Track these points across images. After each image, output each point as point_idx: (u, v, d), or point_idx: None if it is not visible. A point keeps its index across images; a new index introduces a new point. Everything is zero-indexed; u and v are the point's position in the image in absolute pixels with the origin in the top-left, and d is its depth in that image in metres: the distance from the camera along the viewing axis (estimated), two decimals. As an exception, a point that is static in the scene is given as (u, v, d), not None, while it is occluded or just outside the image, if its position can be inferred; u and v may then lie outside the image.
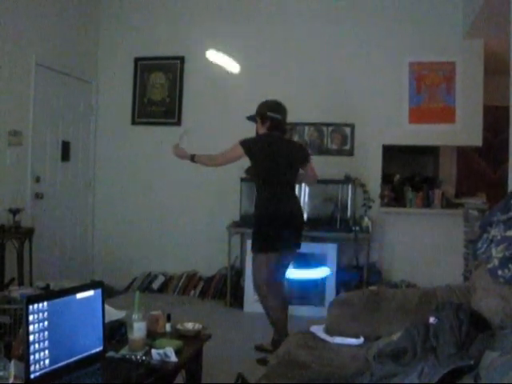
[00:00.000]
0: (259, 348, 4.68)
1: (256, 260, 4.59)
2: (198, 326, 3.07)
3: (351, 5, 6.69)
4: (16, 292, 3.14)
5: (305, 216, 6.13)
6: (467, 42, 6.33)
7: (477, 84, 6.36)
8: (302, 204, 6.05)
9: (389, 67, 6.53)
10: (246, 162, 4.93)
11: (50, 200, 6.38)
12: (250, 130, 6.35)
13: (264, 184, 4.62)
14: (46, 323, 2.22)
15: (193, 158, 4.78)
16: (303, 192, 6.35)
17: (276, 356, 2.79)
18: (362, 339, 2.92)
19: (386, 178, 6.67)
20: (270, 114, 4.63)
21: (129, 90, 7.19)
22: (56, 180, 6.56)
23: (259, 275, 4.55)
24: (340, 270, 6.17)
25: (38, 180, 6.16)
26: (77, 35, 6.85)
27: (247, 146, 4.57)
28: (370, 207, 6.37)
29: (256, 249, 4.57)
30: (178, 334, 2.95)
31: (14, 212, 5.42)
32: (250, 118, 4.81)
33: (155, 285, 6.83)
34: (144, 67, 7.18)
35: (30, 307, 2.16)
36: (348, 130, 6.64)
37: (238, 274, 6.54)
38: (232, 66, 6.86)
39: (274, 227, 4.51)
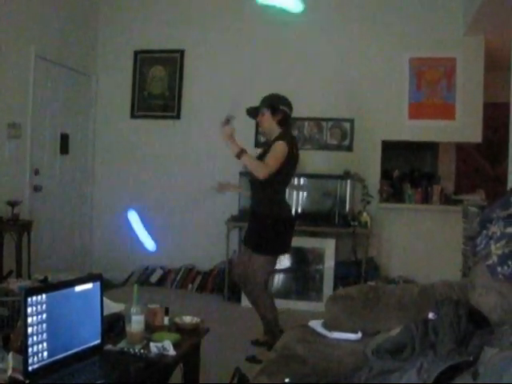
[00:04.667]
0: (256, 343, 4.69)
1: (261, 261, 4.47)
2: (196, 320, 3.07)
3: (351, 0, 6.67)
4: (14, 284, 3.13)
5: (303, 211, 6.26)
6: (468, 38, 6.32)
7: (477, 80, 6.35)
8: (300, 199, 6.12)
9: (389, 63, 6.53)
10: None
11: (48, 193, 6.37)
12: (249, 125, 6.36)
13: (280, 186, 4.53)
14: (44, 316, 2.21)
15: (241, 153, 4.27)
16: (302, 187, 6.37)
17: (274, 350, 2.79)
18: (360, 334, 2.92)
19: (385, 174, 6.68)
20: (283, 107, 4.52)
21: (128, 83, 7.18)
22: (55, 173, 6.55)
23: (261, 275, 4.49)
24: (338, 265, 6.18)
25: (36, 173, 6.15)
26: (76, 28, 6.82)
27: (289, 145, 4.36)
28: (368, 203, 6.37)
29: (266, 250, 4.47)
30: (176, 328, 2.95)
31: (13, 204, 5.42)
32: (251, 111, 4.63)
33: (153, 278, 6.83)
34: (144, 60, 7.16)
35: (29, 299, 2.15)
36: (347, 126, 6.63)
37: (236, 268, 6.54)
38: (232, 59, 6.85)
39: (288, 230, 4.54)
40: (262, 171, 4.26)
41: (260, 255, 4.46)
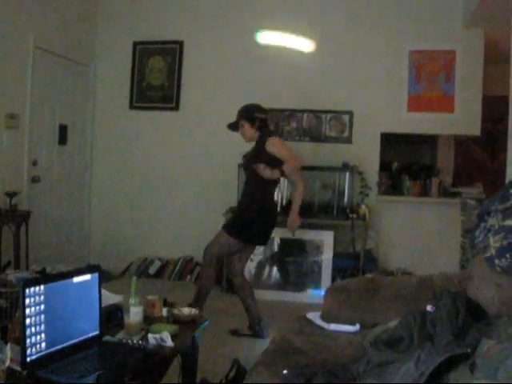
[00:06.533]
0: (235, 332, 4.77)
1: (224, 238, 4.66)
2: (194, 311, 3.07)
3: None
4: (12, 275, 3.12)
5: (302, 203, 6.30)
6: (467, 31, 6.31)
7: (476, 73, 6.35)
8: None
9: (388, 55, 6.52)
10: (244, 148, 4.92)
11: (46, 183, 6.36)
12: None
13: (263, 182, 4.65)
14: (42, 307, 2.21)
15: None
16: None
17: (272, 342, 2.79)
18: (358, 326, 2.92)
19: (384, 166, 6.67)
20: (258, 114, 4.71)
21: (127, 74, 7.15)
22: (53, 164, 6.54)
23: (216, 250, 4.68)
24: (336, 257, 6.18)
25: (34, 163, 6.14)
26: (75, 18, 6.78)
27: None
28: (367, 195, 6.38)
29: (233, 232, 4.65)
30: (174, 319, 2.95)
31: (11, 195, 5.40)
32: (232, 126, 4.84)
33: (151, 270, 6.83)
34: (143, 51, 7.13)
35: (27, 290, 2.15)
36: (346, 118, 6.63)
37: (235, 260, 6.54)
38: (231, 50, 6.83)
39: (262, 223, 4.68)
40: (293, 163, 4.57)
41: (225, 233, 4.67)
